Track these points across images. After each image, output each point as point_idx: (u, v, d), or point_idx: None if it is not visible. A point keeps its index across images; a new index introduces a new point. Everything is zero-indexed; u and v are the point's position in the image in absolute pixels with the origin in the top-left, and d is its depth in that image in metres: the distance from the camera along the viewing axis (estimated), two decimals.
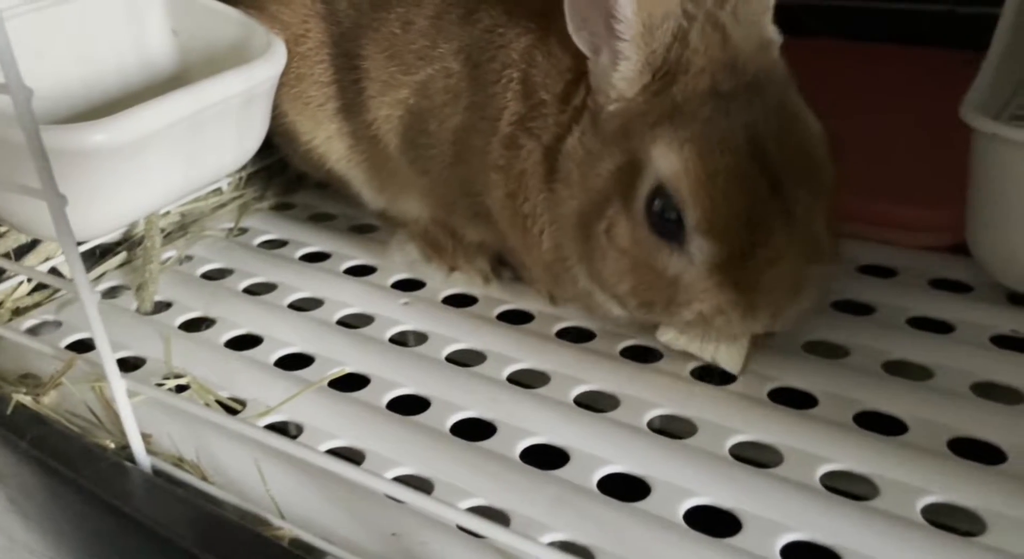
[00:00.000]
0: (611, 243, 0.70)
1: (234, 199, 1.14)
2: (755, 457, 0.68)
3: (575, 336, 0.84)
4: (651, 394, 0.74)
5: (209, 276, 0.99)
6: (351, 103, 0.92)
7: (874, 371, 0.75)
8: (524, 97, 0.77)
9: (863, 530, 0.60)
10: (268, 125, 0.97)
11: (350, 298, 0.92)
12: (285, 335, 0.86)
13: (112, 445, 0.70)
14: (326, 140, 0.97)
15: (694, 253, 0.66)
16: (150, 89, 1.03)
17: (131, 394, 0.65)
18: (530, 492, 0.65)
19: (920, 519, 0.61)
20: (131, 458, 0.67)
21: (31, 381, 0.80)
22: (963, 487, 0.63)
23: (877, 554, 0.58)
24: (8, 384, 0.79)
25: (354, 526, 0.63)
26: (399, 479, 0.67)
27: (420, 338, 0.85)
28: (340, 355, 0.82)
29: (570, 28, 0.69)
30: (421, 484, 0.67)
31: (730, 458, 0.67)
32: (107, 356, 0.62)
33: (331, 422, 0.73)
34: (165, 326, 0.88)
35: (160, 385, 0.78)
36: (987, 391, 0.72)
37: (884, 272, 0.90)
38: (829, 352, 0.78)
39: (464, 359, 0.82)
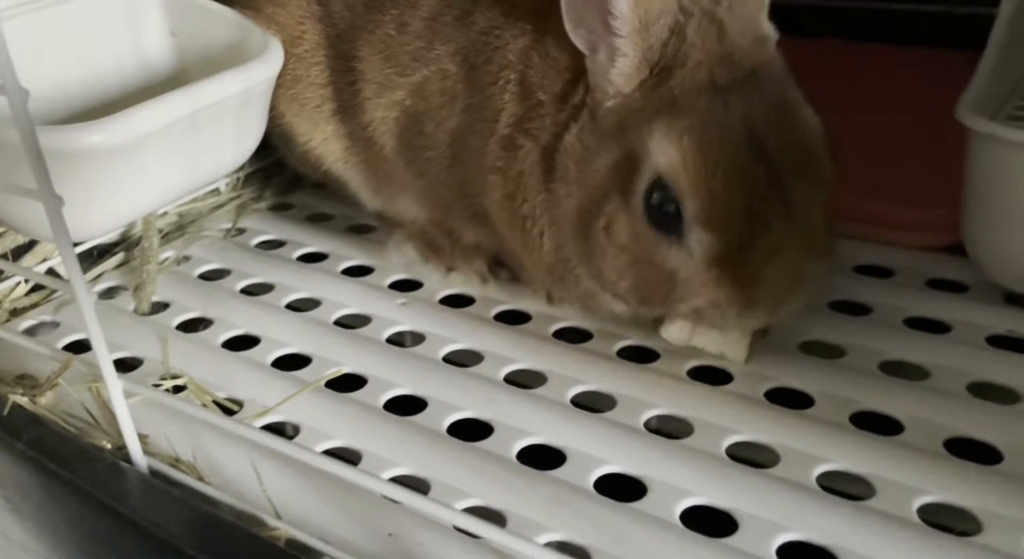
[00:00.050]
0: (610, 240, 0.70)
1: (232, 199, 1.14)
2: (752, 457, 0.68)
3: (572, 336, 0.84)
4: (648, 394, 0.74)
5: (207, 276, 0.99)
6: (347, 105, 0.92)
7: (871, 371, 0.75)
8: (522, 98, 0.77)
9: (859, 530, 0.60)
10: (265, 126, 0.97)
11: (347, 298, 0.92)
12: (282, 335, 0.86)
13: (109, 446, 0.70)
14: (323, 141, 0.97)
15: (693, 246, 0.66)
16: (148, 89, 1.03)
17: (128, 394, 0.65)
18: (527, 492, 0.65)
19: (916, 519, 0.61)
20: (127, 458, 0.67)
21: (28, 382, 0.80)
22: (959, 487, 0.63)
23: (873, 554, 0.58)
24: (5, 385, 0.79)
25: (351, 526, 0.63)
26: (396, 479, 0.67)
27: (417, 338, 0.85)
28: (337, 355, 0.82)
29: (567, 26, 0.70)
30: (418, 484, 0.67)
31: (727, 458, 0.67)
32: (103, 357, 0.62)
33: (328, 422, 0.73)
34: (162, 326, 0.88)
35: (157, 386, 0.78)
36: (983, 391, 0.72)
37: (881, 272, 0.90)
38: (826, 352, 0.79)
39: (461, 359, 0.82)
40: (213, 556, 0.57)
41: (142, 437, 0.68)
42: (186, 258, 1.02)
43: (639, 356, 0.80)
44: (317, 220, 1.11)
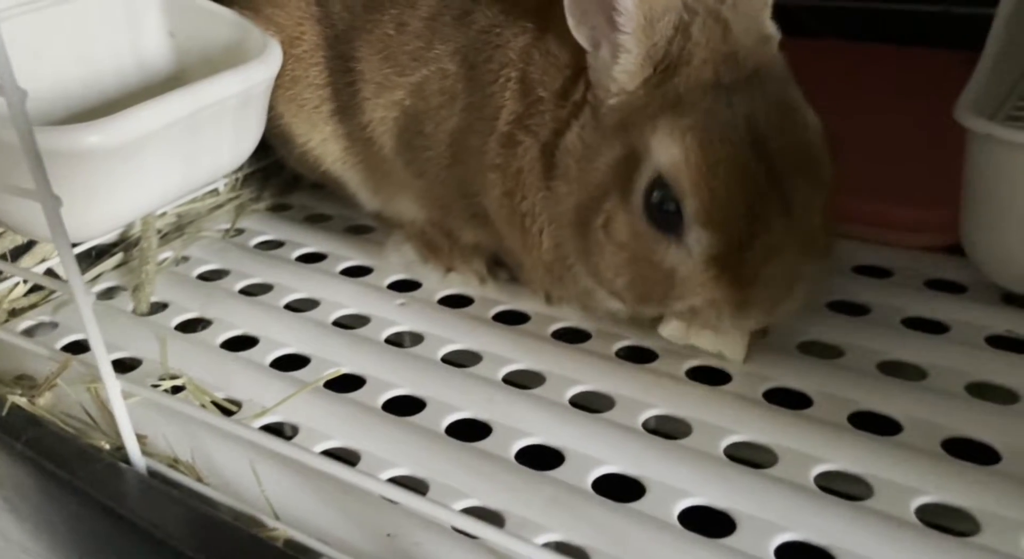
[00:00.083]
0: (608, 237, 0.70)
1: (231, 200, 1.14)
2: (750, 457, 0.68)
3: (571, 337, 0.84)
4: (646, 394, 0.74)
5: (205, 277, 0.99)
6: (346, 105, 0.92)
7: (869, 371, 0.75)
8: (522, 95, 0.77)
9: (857, 530, 0.60)
10: (264, 126, 0.97)
11: (346, 299, 0.92)
12: (281, 336, 0.86)
13: (107, 446, 0.70)
14: (321, 142, 0.97)
15: (692, 245, 0.66)
16: (147, 90, 1.03)
17: (126, 395, 0.65)
18: (525, 493, 0.65)
19: (914, 519, 0.61)
20: (126, 459, 0.67)
21: (27, 382, 0.80)
22: (957, 487, 0.63)
23: (871, 554, 0.58)
24: (3, 385, 0.79)
25: (349, 527, 0.63)
26: (394, 480, 0.67)
27: (416, 339, 0.85)
28: (336, 356, 0.82)
29: (570, 22, 0.69)
30: (416, 485, 0.67)
31: (725, 458, 0.67)
32: (102, 357, 0.62)
33: (327, 423, 0.73)
34: (161, 327, 0.88)
35: (156, 386, 0.78)
36: (981, 391, 0.72)
37: (879, 273, 0.90)
38: (824, 352, 0.79)
39: (460, 360, 0.82)
40: (211, 557, 0.57)
41: (140, 438, 0.68)
42: (185, 258, 1.02)
43: (637, 356, 0.80)
44: (316, 220, 1.11)
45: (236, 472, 0.68)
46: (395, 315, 0.89)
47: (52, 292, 0.95)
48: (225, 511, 0.63)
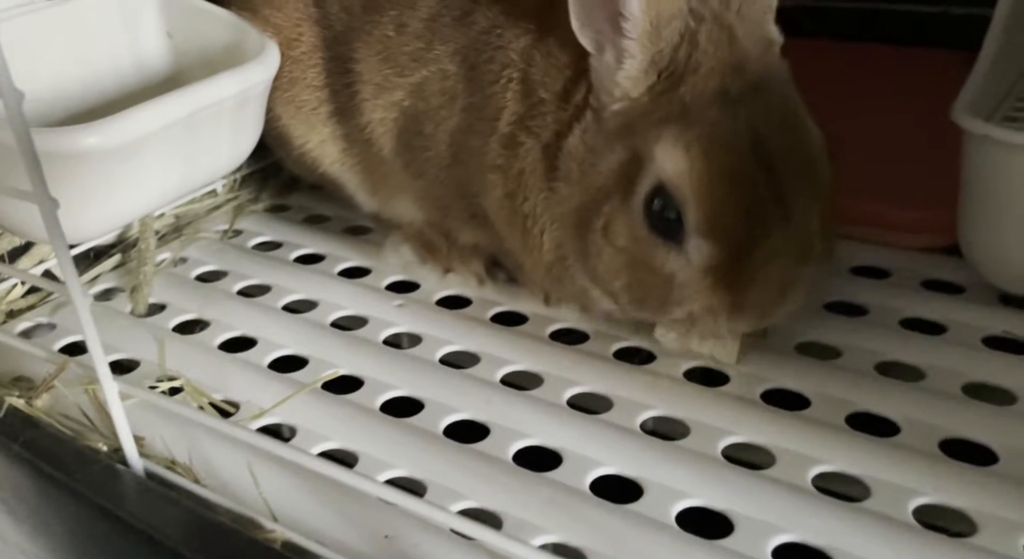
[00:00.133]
0: (607, 240, 0.70)
1: (229, 201, 1.14)
2: (747, 458, 0.68)
3: (569, 338, 0.84)
4: (644, 396, 0.74)
5: (203, 278, 0.99)
6: (344, 107, 0.92)
7: (867, 372, 0.76)
8: (524, 96, 0.77)
9: (855, 531, 0.60)
10: (262, 127, 0.97)
11: (344, 300, 0.92)
12: (279, 337, 0.86)
13: (105, 448, 0.70)
14: (319, 144, 0.97)
15: (691, 253, 0.66)
16: (146, 90, 1.03)
17: (124, 397, 0.65)
18: (523, 494, 0.65)
19: (912, 520, 0.61)
20: (124, 461, 0.67)
21: (24, 384, 0.80)
22: (955, 488, 0.63)
23: (869, 555, 0.58)
24: (1, 387, 0.79)
25: (347, 528, 0.63)
26: (392, 481, 0.67)
27: (414, 340, 0.85)
28: (334, 357, 0.82)
29: (574, 25, 0.69)
30: (414, 486, 0.67)
31: (722, 459, 0.67)
32: (99, 359, 0.62)
33: (325, 424, 0.73)
34: (159, 328, 0.88)
35: (153, 388, 0.78)
36: (979, 392, 0.72)
37: (877, 273, 0.90)
38: (822, 353, 0.79)
39: (458, 361, 0.82)
40: None
41: (138, 439, 0.68)
42: (183, 260, 1.02)
43: (635, 357, 0.80)
44: (314, 222, 1.11)
45: (234, 474, 0.68)
46: (393, 316, 0.89)
47: (50, 293, 0.95)
48: (223, 513, 0.63)
